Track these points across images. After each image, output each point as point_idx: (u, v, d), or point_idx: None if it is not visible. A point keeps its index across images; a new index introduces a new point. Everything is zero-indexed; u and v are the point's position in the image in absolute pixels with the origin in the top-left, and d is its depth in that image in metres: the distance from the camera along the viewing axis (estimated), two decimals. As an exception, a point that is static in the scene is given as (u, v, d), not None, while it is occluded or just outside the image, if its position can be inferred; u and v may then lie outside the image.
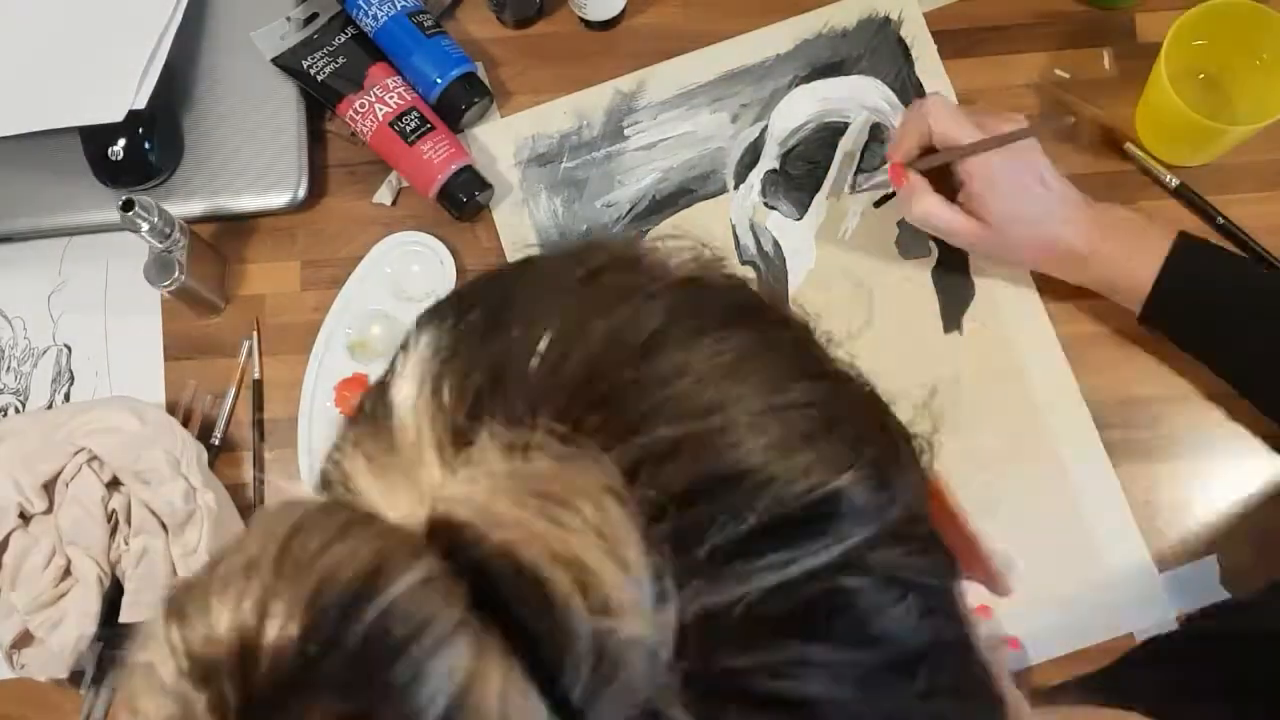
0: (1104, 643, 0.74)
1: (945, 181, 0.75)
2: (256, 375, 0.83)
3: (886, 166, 0.76)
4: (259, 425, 0.82)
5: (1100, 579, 0.75)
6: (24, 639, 0.75)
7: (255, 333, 0.84)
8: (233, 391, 0.83)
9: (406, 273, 0.84)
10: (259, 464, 0.82)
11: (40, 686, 0.76)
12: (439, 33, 0.85)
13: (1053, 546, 0.76)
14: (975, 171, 0.72)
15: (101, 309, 0.86)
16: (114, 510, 0.76)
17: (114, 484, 0.76)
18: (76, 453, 0.75)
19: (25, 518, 0.76)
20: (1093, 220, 0.72)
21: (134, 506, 0.76)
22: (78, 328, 0.85)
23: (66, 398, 0.84)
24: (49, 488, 0.76)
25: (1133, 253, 0.71)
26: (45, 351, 0.85)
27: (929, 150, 0.74)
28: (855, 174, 0.82)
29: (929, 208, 0.74)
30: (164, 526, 0.76)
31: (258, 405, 0.83)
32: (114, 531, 0.76)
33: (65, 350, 0.85)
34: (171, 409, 0.82)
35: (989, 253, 0.77)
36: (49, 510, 0.76)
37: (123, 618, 0.75)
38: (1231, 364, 0.73)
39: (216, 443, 0.82)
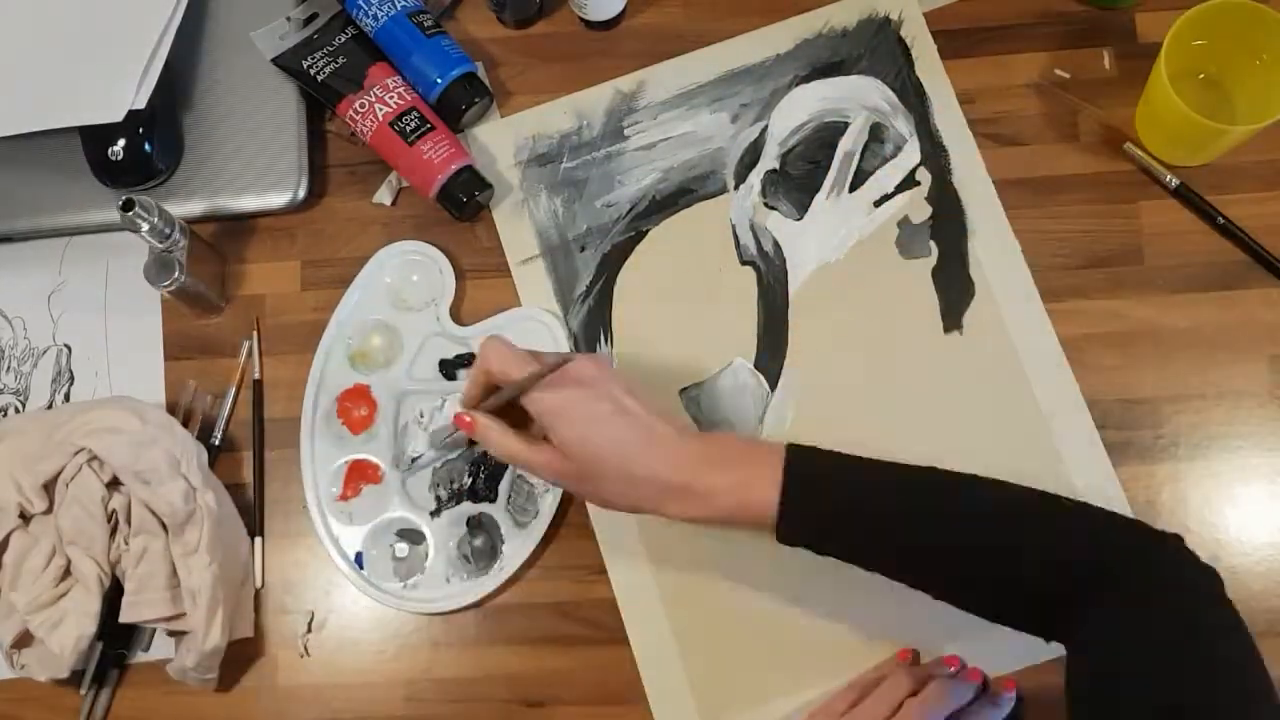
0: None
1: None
2: (257, 375, 0.83)
3: (464, 414, 0.68)
4: (259, 426, 0.82)
5: (1100, 579, 0.75)
6: (24, 639, 0.76)
7: (255, 333, 0.84)
8: (233, 392, 0.83)
9: (406, 282, 0.84)
10: (259, 464, 0.82)
11: (40, 686, 0.77)
12: (439, 33, 0.85)
13: (1053, 546, 0.76)
14: (543, 405, 0.64)
15: (101, 309, 0.86)
16: (114, 510, 0.76)
17: (114, 484, 0.76)
18: (76, 453, 0.75)
19: (25, 518, 0.76)
20: (693, 453, 0.64)
21: (134, 506, 0.76)
22: (78, 328, 0.85)
23: (66, 398, 0.84)
24: (49, 488, 0.76)
25: (749, 479, 0.63)
26: (45, 351, 0.85)
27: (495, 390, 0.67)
28: (438, 440, 0.78)
29: (503, 445, 0.66)
30: (164, 526, 0.76)
31: (258, 405, 0.83)
32: (114, 531, 0.76)
33: (65, 350, 0.85)
34: (171, 409, 0.82)
35: (582, 493, 0.68)
36: (49, 510, 0.76)
37: (122, 618, 0.75)
38: (875, 565, 0.65)
39: (217, 443, 0.82)
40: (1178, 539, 0.62)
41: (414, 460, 0.80)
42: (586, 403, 0.64)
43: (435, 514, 0.80)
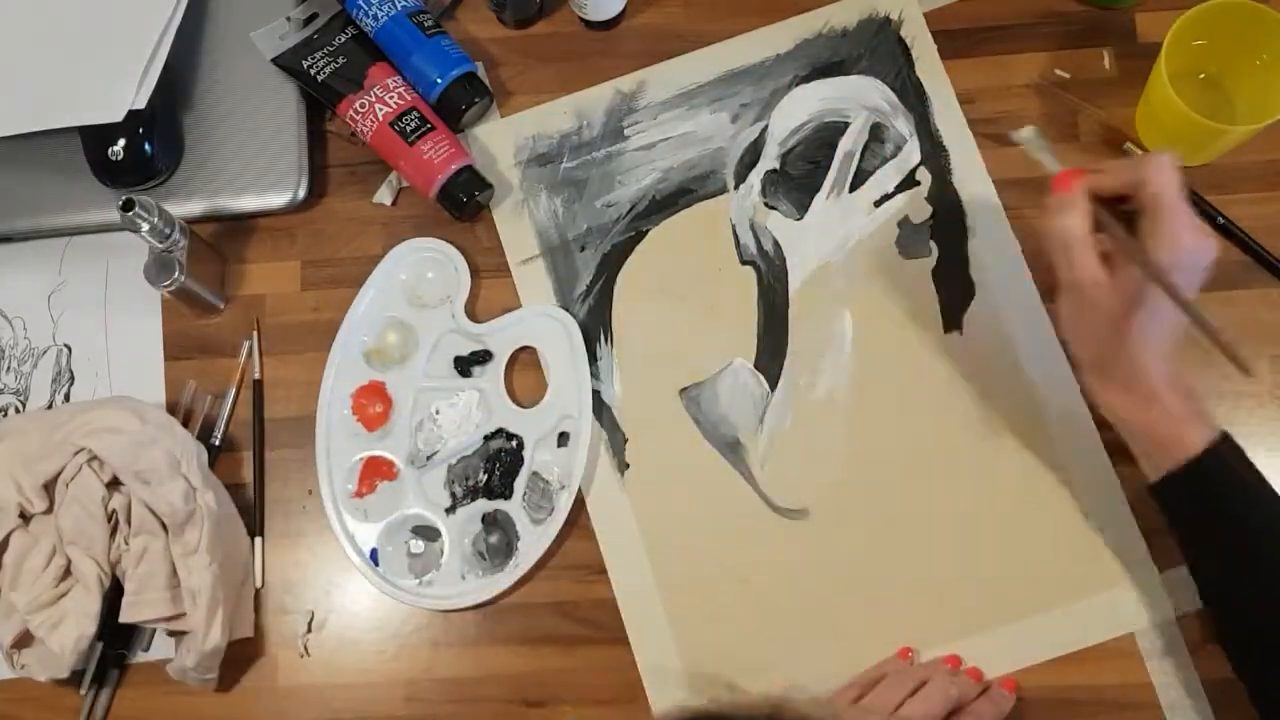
0: (1104, 643, 0.74)
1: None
2: (257, 375, 0.83)
3: (1054, 153, 0.68)
4: (259, 425, 0.82)
5: (1100, 579, 0.75)
6: (24, 639, 0.76)
7: (255, 333, 0.84)
8: (233, 392, 0.83)
9: (421, 279, 0.84)
10: (259, 464, 0.82)
11: (40, 686, 0.77)
12: (439, 33, 0.85)
13: (1053, 546, 0.76)
14: (1179, 240, 0.63)
15: (101, 309, 0.86)
16: (114, 510, 0.76)
17: (114, 484, 0.76)
18: (76, 453, 0.75)
19: (25, 518, 0.76)
20: (1173, 370, 0.67)
21: (134, 506, 0.75)
22: (77, 328, 0.85)
23: (67, 397, 0.84)
24: (49, 488, 0.76)
25: (1186, 420, 0.66)
26: (45, 351, 0.85)
27: (1118, 202, 0.66)
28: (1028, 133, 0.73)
29: (1072, 226, 0.65)
30: (164, 526, 0.76)
31: (258, 405, 0.83)
32: (114, 531, 0.76)
33: (65, 350, 0.85)
34: (171, 409, 0.82)
35: (1083, 326, 0.68)
36: (49, 510, 0.76)
37: (122, 618, 0.75)
38: (1203, 564, 0.70)
39: (217, 443, 0.82)
40: None
41: (429, 457, 0.80)
42: (1196, 273, 0.64)
43: (451, 510, 0.80)
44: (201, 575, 0.75)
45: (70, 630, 0.74)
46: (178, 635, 0.77)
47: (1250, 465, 0.67)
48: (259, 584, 0.80)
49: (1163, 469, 0.67)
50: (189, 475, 0.77)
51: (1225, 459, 0.66)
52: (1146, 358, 0.66)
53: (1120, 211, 0.66)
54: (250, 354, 0.84)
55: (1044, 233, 0.67)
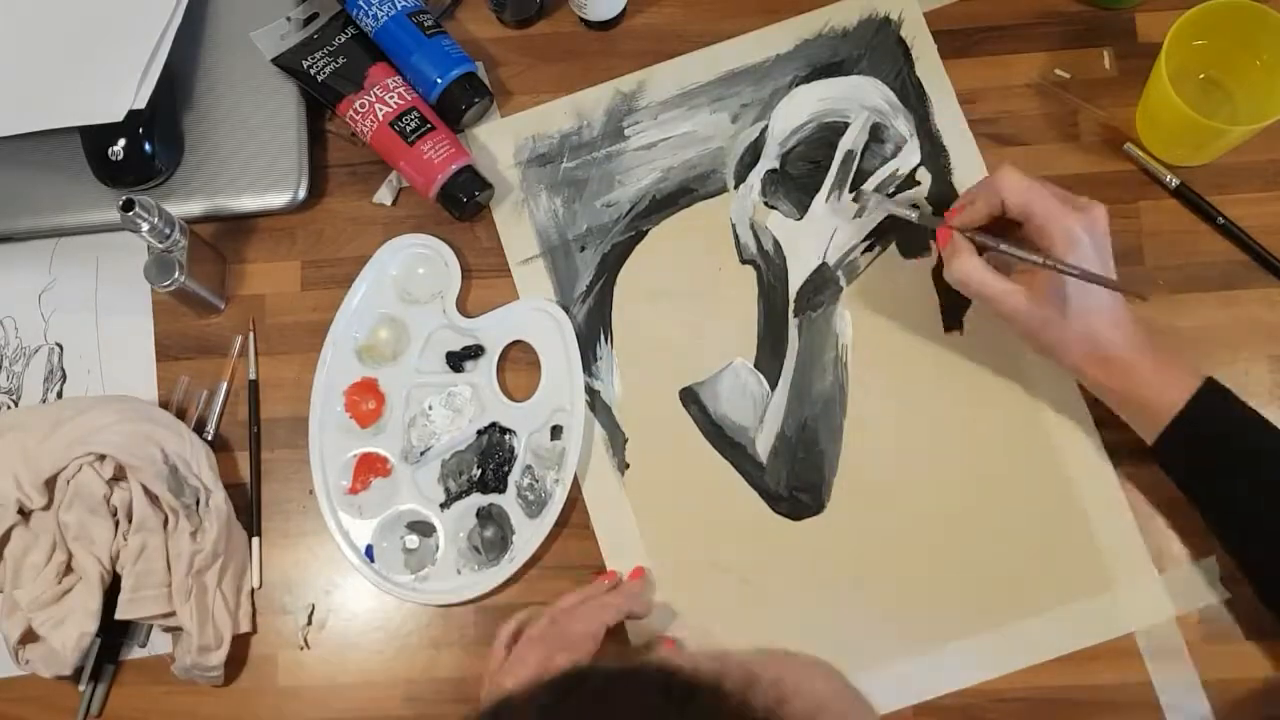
0: (1104, 642, 0.74)
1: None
2: (253, 376, 0.83)
3: (908, 193, 0.73)
4: (256, 426, 0.82)
5: (1100, 579, 0.75)
6: (29, 635, 0.76)
7: (251, 334, 0.84)
8: (224, 386, 0.83)
9: (412, 275, 0.84)
10: (255, 464, 0.82)
11: (40, 685, 0.77)
12: (439, 32, 0.85)
13: (1053, 546, 0.76)
14: (1060, 236, 0.67)
15: (92, 307, 0.86)
16: (116, 507, 0.76)
17: (115, 480, 0.76)
18: (79, 453, 0.76)
19: (24, 513, 0.77)
20: (1134, 333, 0.69)
21: (135, 503, 0.76)
22: (69, 326, 0.85)
23: (59, 396, 0.84)
24: (50, 484, 0.76)
25: (1167, 380, 0.68)
26: (37, 350, 0.85)
27: (993, 224, 0.71)
28: (870, 191, 0.79)
29: (966, 269, 0.69)
30: (165, 524, 0.76)
31: (254, 406, 0.83)
32: (115, 526, 0.76)
33: (57, 349, 0.85)
34: (163, 406, 0.82)
35: (1029, 330, 0.70)
36: (47, 507, 0.76)
37: (119, 614, 0.75)
38: (1218, 514, 0.70)
39: (210, 439, 0.82)
40: None
41: (423, 453, 0.80)
42: (1097, 251, 0.68)
43: (445, 506, 0.80)
44: (203, 574, 0.75)
45: (72, 628, 0.74)
46: (174, 631, 0.77)
47: (1240, 403, 0.68)
48: (257, 584, 0.80)
49: (1156, 430, 0.69)
50: (200, 475, 0.77)
51: (1211, 404, 0.68)
52: (1100, 334, 0.68)
53: (1008, 222, 0.71)
54: (243, 351, 0.84)
55: (953, 284, 0.72)
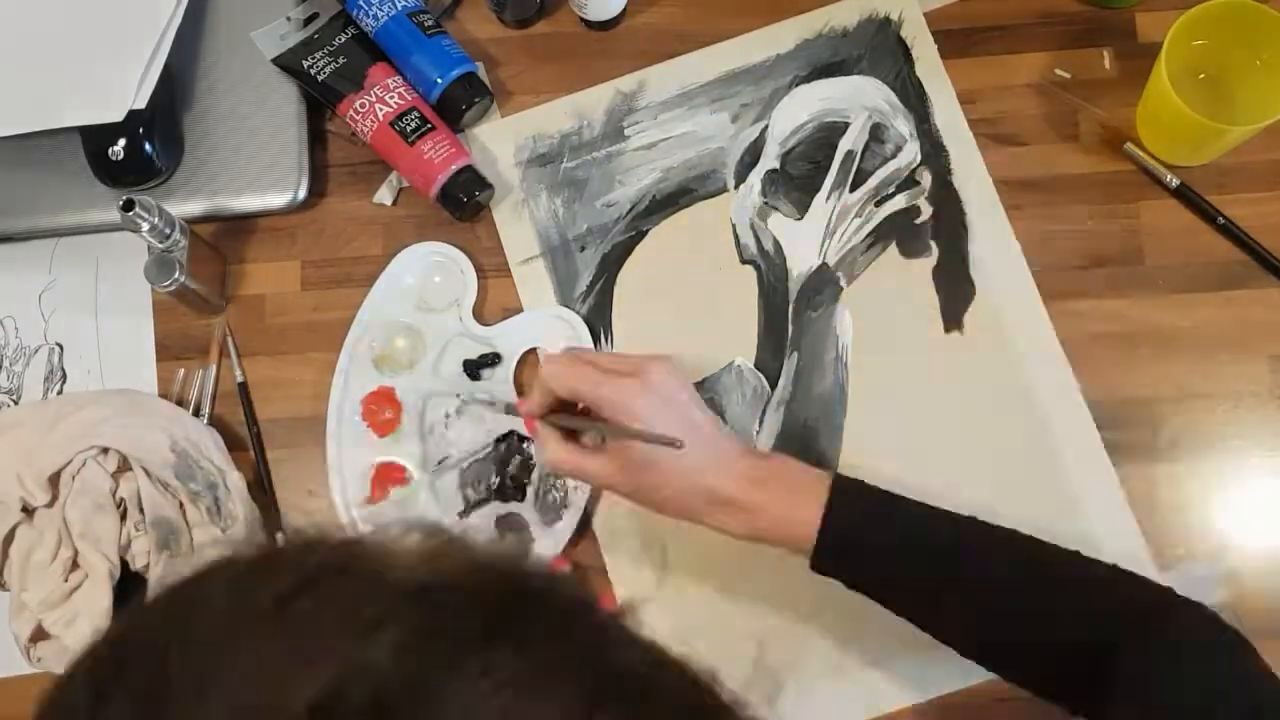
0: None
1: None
2: (240, 379, 0.83)
3: (530, 418, 0.71)
4: (254, 426, 0.82)
5: (1100, 579, 0.75)
6: (40, 633, 0.76)
7: (229, 336, 0.84)
8: (212, 369, 0.83)
9: (429, 284, 0.83)
10: (258, 463, 0.82)
11: (44, 686, 0.76)
12: (439, 32, 0.85)
13: (1053, 546, 0.76)
14: (610, 405, 0.65)
15: (92, 307, 0.85)
16: (122, 499, 0.76)
17: (119, 472, 0.76)
18: (82, 447, 0.76)
19: (28, 511, 0.76)
20: (748, 469, 0.65)
21: (143, 493, 0.75)
22: (69, 326, 0.85)
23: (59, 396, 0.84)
24: (54, 481, 0.76)
25: (795, 503, 0.64)
26: (37, 350, 0.85)
27: (563, 405, 0.69)
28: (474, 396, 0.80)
29: (556, 456, 0.67)
30: (185, 518, 0.76)
31: (248, 407, 0.82)
32: (122, 517, 0.76)
33: (57, 349, 0.85)
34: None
35: (636, 497, 0.68)
36: (51, 504, 0.76)
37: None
38: (906, 604, 0.66)
39: (207, 423, 0.82)
40: (1200, 605, 0.62)
41: (440, 461, 0.80)
42: (657, 410, 0.64)
43: (464, 514, 0.79)
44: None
45: (84, 627, 0.74)
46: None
47: (869, 491, 0.65)
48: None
49: (808, 552, 0.65)
50: (212, 458, 0.77)
51: (843, 507, 0.64)
52: (709, 482, 0.65)
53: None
54: (227, 339, 0.83)
55: (548, 470, 0.73)
